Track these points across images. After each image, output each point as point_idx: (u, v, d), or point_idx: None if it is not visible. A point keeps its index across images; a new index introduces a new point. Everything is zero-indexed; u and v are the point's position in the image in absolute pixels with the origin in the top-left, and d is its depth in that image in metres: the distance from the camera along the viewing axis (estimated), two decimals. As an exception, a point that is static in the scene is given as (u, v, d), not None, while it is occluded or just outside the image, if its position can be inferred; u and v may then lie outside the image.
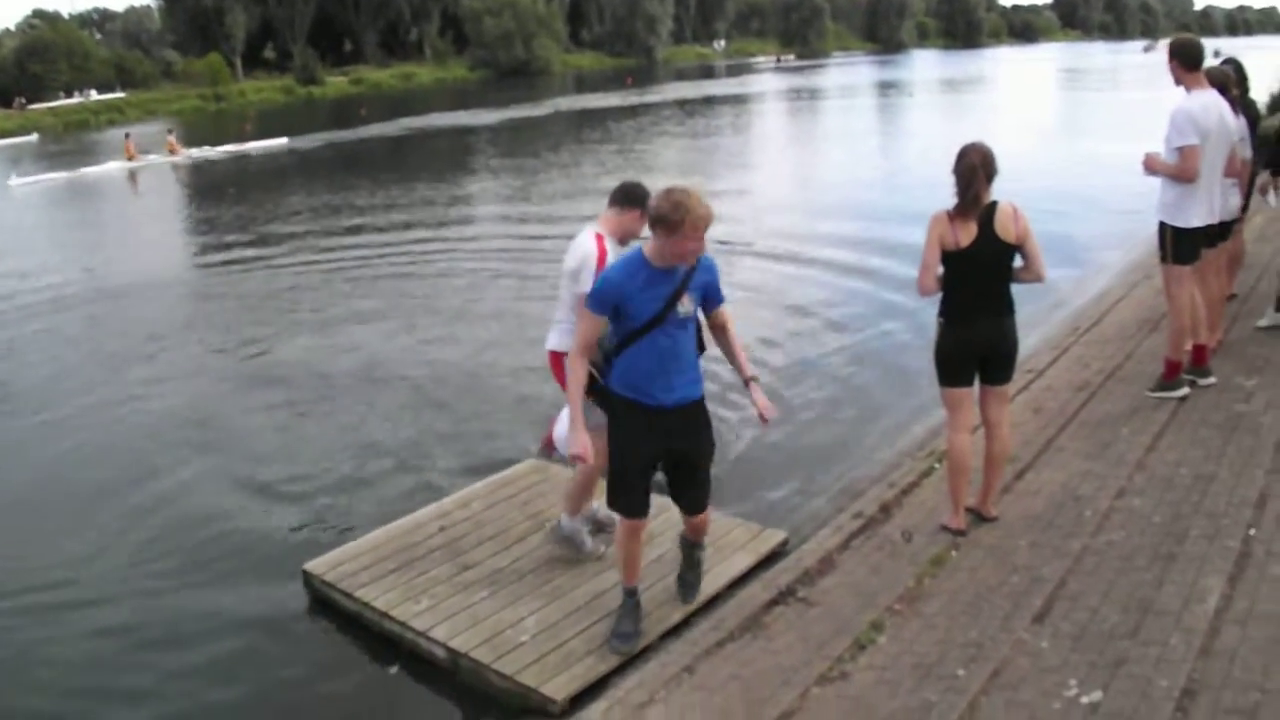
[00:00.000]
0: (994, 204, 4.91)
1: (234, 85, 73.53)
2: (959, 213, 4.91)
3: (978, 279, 5.00)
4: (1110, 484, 5.54)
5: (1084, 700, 3.59)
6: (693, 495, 4.75)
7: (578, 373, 4.44)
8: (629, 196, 5.15)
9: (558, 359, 5.16)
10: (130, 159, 32.31)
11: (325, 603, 5.75)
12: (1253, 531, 4.62)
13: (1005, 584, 4.68)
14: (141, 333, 12.13)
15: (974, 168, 4.81)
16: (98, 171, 31.90)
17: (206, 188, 28.12)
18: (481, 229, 18.28)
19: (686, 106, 45.18)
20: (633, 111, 42.83)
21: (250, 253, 17.09)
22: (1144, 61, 68.35)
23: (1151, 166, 6.40)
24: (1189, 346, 6.74)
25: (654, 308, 4.30)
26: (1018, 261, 5.01)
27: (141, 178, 30.47)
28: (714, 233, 4.37)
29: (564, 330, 5.15)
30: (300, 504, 7.21)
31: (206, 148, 35.38)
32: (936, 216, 4.99)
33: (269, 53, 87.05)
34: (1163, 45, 6.59)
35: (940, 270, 5.05)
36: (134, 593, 6.14)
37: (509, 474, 6.92)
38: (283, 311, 12.87)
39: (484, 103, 52.69)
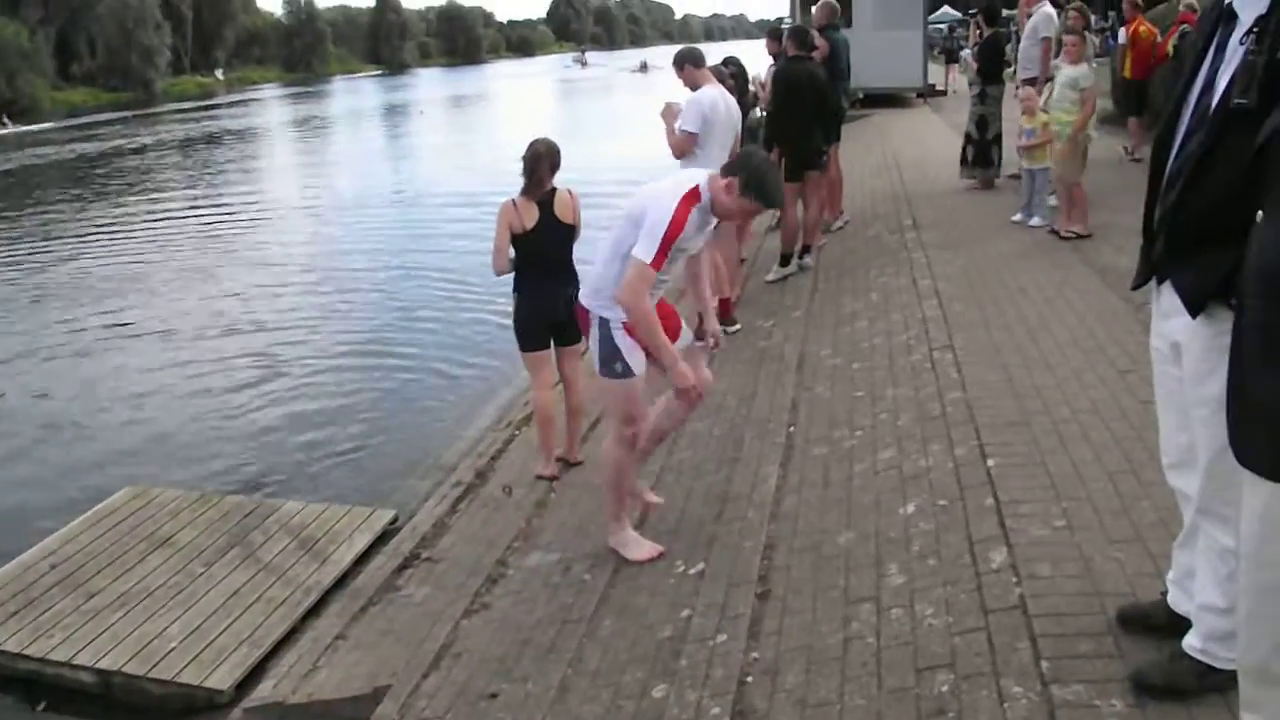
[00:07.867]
0: (553, 190, 5.56)
1: None
2: (524, 195, 5.50)
3: (543, 256, 5.61)
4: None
5: (691, 572, 4.24)
6: None
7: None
8: None
9: None
10: None
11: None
12: (792, 429, 5.58)
13: (603, 508, 5.26)
14: None
15: (539, 155, 5.50)
16: None
17: None
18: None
19: (190, 145, 41.99)
20: (133, 152, 39.33)
21: None
22: (632, 75, 74.41)
23: (666, 117, 7.34)
24: (715, 304, 7.80)
25: None
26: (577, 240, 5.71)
27: None
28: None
29: None
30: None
31: None
32: (504, 206, 5.57)
33: None
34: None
35: (511, 252, 5.60)
36: None
37: (108, 504, 6.54)
38: None
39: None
